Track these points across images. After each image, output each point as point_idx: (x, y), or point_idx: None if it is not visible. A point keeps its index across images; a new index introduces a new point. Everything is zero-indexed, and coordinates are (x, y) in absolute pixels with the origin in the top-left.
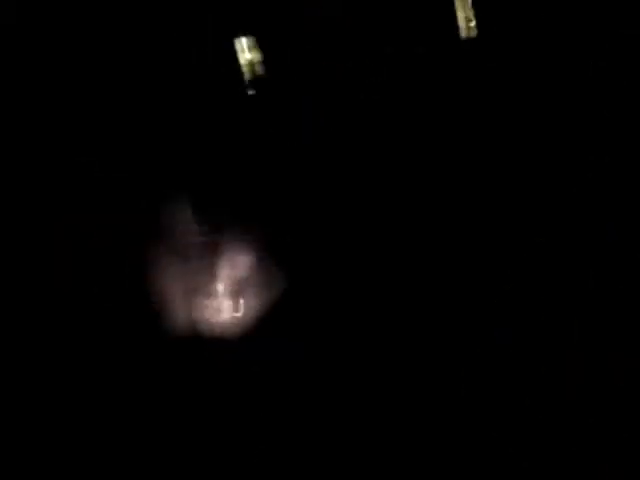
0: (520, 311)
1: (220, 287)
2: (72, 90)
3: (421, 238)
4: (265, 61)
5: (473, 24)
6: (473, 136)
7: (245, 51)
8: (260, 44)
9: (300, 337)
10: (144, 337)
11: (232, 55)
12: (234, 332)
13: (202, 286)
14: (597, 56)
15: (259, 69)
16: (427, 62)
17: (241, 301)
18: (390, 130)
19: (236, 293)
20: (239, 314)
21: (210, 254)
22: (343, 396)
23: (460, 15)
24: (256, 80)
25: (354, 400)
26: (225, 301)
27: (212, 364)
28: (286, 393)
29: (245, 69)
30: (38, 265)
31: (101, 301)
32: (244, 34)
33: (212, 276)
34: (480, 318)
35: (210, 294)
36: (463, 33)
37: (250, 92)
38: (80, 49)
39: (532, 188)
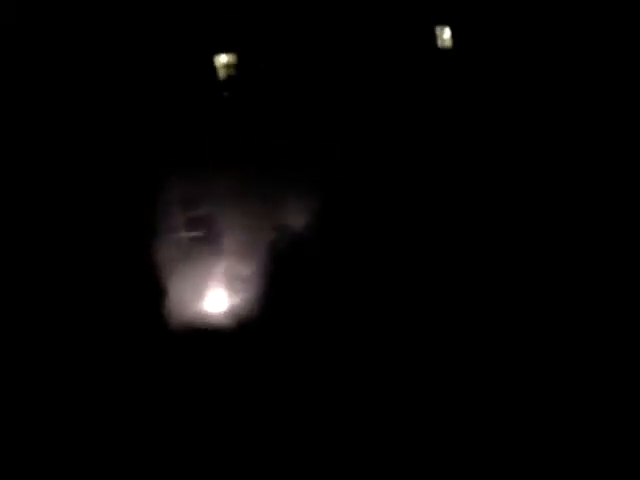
0: (520, 311)
1: (214, 280)
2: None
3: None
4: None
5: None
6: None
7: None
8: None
9: (297, 330)
10: (143, 330)
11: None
12: (231, 324)
13: (196, 280)
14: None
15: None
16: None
17: (237, 294)
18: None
19: (231, 286)
20: (235, 307)
21: (202, 249)
22: (342, 391)
23: None
24: (231, 81)
25: (354, 394)
26: (220, 294)
27: (211, 356)
28: (285, 386)
29: (220, 71)
30: (36, 263)
31: (99, 297)
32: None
33: (205, 270)
34: (480, 318)
35: (206, 286)
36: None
37: (225, 94)
38: (76, 53)
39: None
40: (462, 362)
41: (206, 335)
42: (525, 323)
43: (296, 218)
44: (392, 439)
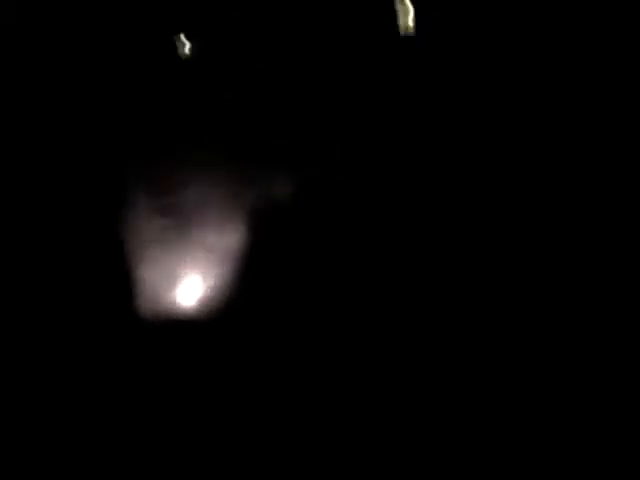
0: (520, 311)
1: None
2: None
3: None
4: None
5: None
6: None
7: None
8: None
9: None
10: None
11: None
12: (207, 314)
13: (170, 270)
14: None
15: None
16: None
17: (211, 283)
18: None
19: (206, 276)
20: (210, 297)
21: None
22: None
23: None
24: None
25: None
26: (196, 283)
27: (190, 349)
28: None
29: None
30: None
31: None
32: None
33: (179, 259)
34: (479, 318)
35: (179, 278)
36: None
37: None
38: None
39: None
40: (460, 361)
41: (183, 325)
42: (525, 322)
43: (283, 210)
44: (379, 428)
